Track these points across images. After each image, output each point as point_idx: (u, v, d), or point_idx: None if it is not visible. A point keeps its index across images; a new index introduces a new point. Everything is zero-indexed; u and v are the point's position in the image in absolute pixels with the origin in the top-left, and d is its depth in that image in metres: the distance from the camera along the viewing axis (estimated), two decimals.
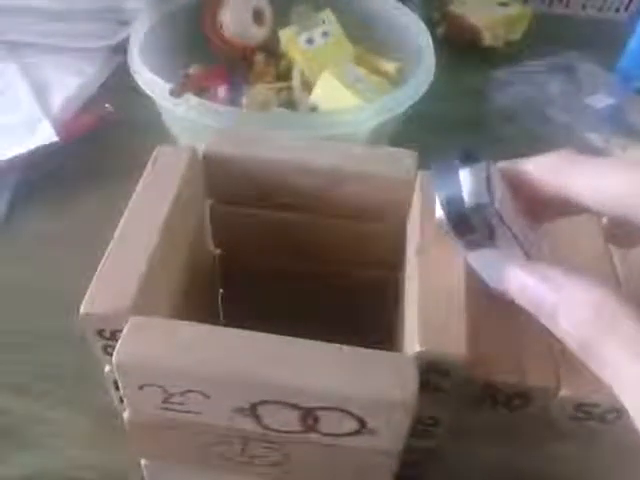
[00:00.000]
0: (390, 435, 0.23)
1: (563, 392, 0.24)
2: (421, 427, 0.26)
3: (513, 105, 0.65)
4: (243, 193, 0.33)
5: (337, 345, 0.22)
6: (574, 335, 0.20)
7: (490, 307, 0.27)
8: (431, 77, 0.53)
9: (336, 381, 0.21)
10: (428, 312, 0.24)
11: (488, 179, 0.22)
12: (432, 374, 0.23)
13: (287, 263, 0.34)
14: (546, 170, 0.23)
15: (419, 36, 0.58)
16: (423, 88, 0.52)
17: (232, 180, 0.32)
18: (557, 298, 0.20)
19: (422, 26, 0.58)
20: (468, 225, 0.22)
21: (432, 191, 0.23)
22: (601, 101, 0.59)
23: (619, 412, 0.24)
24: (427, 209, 0.28)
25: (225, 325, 0.27)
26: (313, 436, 0.23)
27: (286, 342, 0.22)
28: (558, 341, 0.24)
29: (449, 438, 0.27)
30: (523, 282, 0.22)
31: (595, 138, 0.55)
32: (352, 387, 0.21)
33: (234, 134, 0.32)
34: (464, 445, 0.27)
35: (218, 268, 0.37)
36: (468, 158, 0.22)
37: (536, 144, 0.59)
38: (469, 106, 0.65)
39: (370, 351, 0.22)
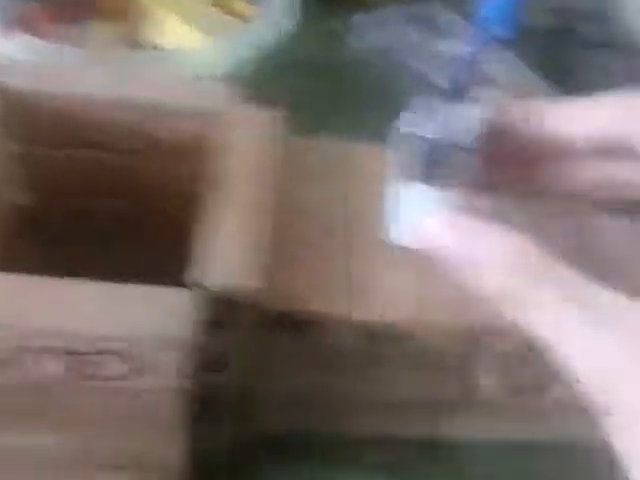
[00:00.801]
0: (168, 373, 0.22)
1: (355, 316, 0.24)
2: (218, 362, 0.25)
3: (371, 52, 0.65)
4: (51, 133, 0.30)
5: (108, 284, 0.21)
6: (496, 286, 0.18)
7: (290, 239, 0.26)
8: (285, 18, 0.51)
9: (103, 321, 0.20)
10: (212, 244, 0.23)
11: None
12: (222, 307, 0.23)
13: (101, 204, 0.33)
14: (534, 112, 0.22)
15: None
16: (276, 29, 0.50)
17: (38, 119, 0.29)
18: (476, 248, 0.19)
19: None
20: (441, 158, 0.22)
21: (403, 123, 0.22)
22: (458, 49, 0.60)
23: (406, 332, 0.24)
24: (236, 145, 0.27)
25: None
26: (85, 381, 0.22)
27: (53, 285, 0.21)
28: (351, 268, 0.24)
29: (253, 371, 0.26)
30: (435, 233, 0.20)
31: (442, 83, 0.56)
32: (122, 326, 0.20)
33: (39, 68, 0.30)
34: (269, 377, 0.27)
35: (30, 213, 0.34)
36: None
37: (390, 91, 0.60)
38: (328, 52, 0.64)
39: (146, 288, 0.21)
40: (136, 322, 0.20)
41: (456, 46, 0.65)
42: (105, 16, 0.57)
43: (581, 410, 0.16)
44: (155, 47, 0.51)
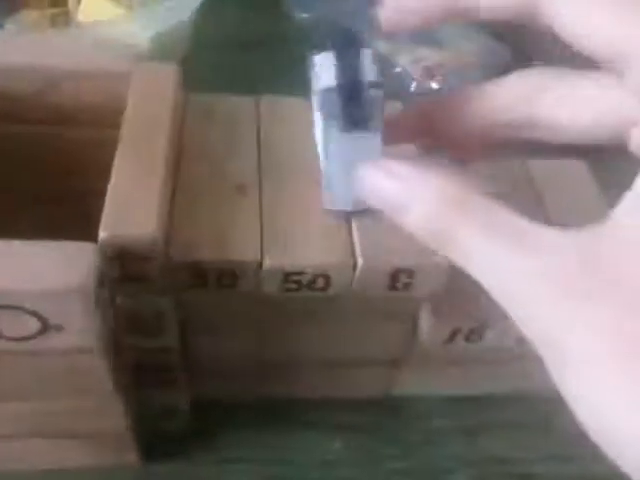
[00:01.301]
0: (80, 330, 0.21)
1: (267, 263, 0.23)
2: (144, 323, 0.24)
3: (310, 21, 0.63)
4: None
5: (6, 240, 0.20)
6: (424, 226, 0.18)
7: (202, 191, 0.25)
8: None
9: (3, 276, 0.19)
10: (118, 198, 0.22)
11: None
12: (127, 261, 0.22)
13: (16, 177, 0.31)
14: None
15: None
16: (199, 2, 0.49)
17: None
18: (403, 191, 0.19)
19: None
20: (358, 101, 0.21)
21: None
22: None
23: (327, 278, 0.24)
24: (137, 100, 0.26)
25: None
26: (5, 344, 0.21)
27: None
28: (262, 215, 0.23)
29: (188, 333, 0.26)
30: (371, 180, 0.20)
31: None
32: (18, 279, 0.19)
33: None
34: (205, 338, 0.26)
35: None
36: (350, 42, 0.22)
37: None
38: (266, 23, 0.63)
39: (46, 242, 0.20)
40: (36, 275, 0.19)
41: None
42: (34, 4, 0.56)
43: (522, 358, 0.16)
44: (81, 25, 0.49)
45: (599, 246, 0.16)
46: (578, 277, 0.15)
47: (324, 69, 0.22)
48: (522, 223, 0.17)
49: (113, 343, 0.23)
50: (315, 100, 0.23)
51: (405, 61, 0.57)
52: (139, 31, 0.46)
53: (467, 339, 0.27)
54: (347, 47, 0.22)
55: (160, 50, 0.49)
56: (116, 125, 0.28)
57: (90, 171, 0.30)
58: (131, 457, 0.29)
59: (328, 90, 0.21)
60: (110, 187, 0.23)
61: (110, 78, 0.28)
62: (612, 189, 0.33)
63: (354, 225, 0.25)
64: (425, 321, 0.26)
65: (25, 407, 0.25)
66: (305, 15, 0.64)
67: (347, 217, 0.25)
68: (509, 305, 0.17)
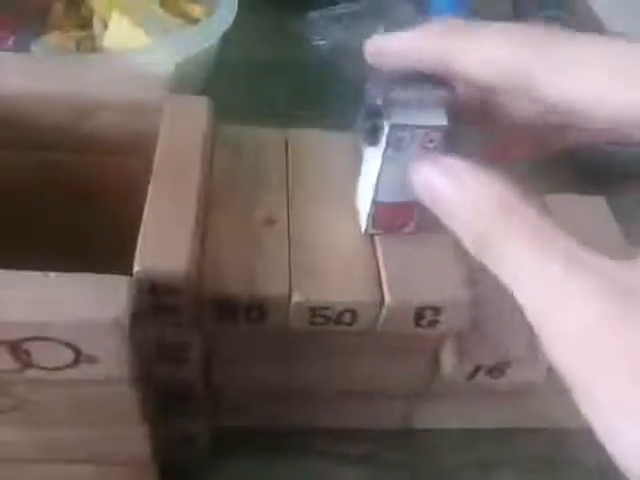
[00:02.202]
0: (112, 361, 0.21)
1: (296, 298, 0.23)
2: (173, 354, 0.25)
3: (329, 48, 0.64)
4: None
5: (43, 272, 0.21)
6: (471, 229, 0.18)
7: (232, 225, 0.26)
8: (232, 15, 0.51)
9: (35, 307, 0.20)
10: (152, 232, 0.23)
11: None
12: (160, 294, 0.22)
13: (46, 207, 0.32)
14: (426, 40, 0.22)
15: None
16: (223, 26, 0.50)
17: None
18: (456, 191, 0.19)
19: None
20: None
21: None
22: None
23: (354, 313, 0.24)
24: (169, 133, 0.27)
25: None
26: (32, 372, 0.22)
27: None
28: (291, 249, 0.24)
29: (213, 363, 0.26)
30: (426, 176, 0.20)
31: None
32: (54, 312, 0.20)
33: None
34: (229, 369, 0.27)
35: None
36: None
37: (352, 85, 0.60)
38: (286, 50, 0.64)
39: (81, 275, 0.21)
40: (72, 308, 0.20)
41: None
42: (62, 27, 0.57)
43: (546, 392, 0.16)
44: (107, 51, 0.50)
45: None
46: (619, 312, 0.15)
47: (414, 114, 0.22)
48: (572, 245, 0.17)
49: (142, 373, 0.23)
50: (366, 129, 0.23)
51: None
52: (164, 58, 0.47)
53: (489, 375, 0.28)
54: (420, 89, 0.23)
55: (184, 76, 0.50)
56: (146, 155, 0.29)
57: (120, 199, 0.31)
58: None
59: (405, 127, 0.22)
60: (144, 220, 0.23)
61: (142, 110, 0.29)
62: (631, 225, 0.33)
63: (381, 260, 0.25)
64: (448, 358, 0.27)
65: (57, 434, 0.25)
66: (322, 41, 0.65)
67: (374, 247, 0.25)
68: (540, 326, 0.16)
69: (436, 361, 0.28)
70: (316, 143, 0.31)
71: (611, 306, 0.15)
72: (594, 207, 0.33)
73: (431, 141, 0.23)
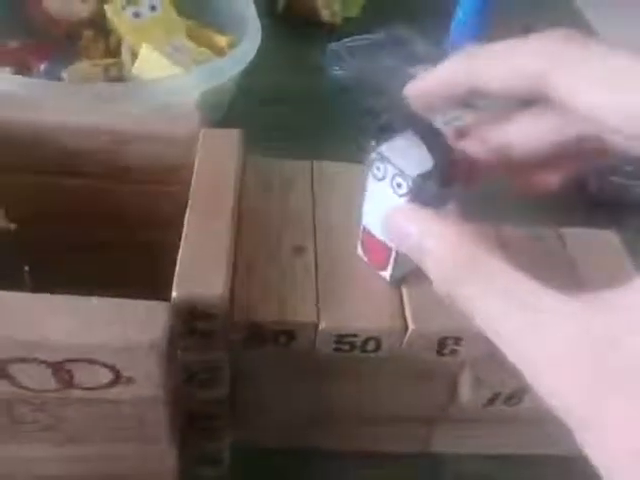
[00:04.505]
0: (149, 382, 0.22)
1: (323, 325, 0.24)
2: (202, 376, 0.26)
3: (348, 78, 0.66)
4: (26, 159, 0.31)
5: (88, 297, 0.22)
6: (433, 274, 0.19)
7: (262, 253, 0.27)
8: (256, 46, 0.53)
9: (79, 330, 0.21)
10: (189, 259, 0.24)
11: None
12: (195, 319, 0.23)
13: (83, 231, 0.33)
14: (452, 71, 0.23)
15: (246, 9, 0.58)
16: (247, 57, 0.52)
17: (12, 147, 0.30)
18: (420, 234, 0.20)
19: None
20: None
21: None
22: (419, 70, 0.62)
23: (379, 341, 0.25)
24: (204, 164, 0.28)
25: None
26: (73, 392, 0.23)
27: (31, 298, 0.22)
28: (318, 277, 0.25)
29: (238, 385, 0.27)
30: (395, 221, 0.21)
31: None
32: (97, 335, 0.21)
33: (14, 99, 0.31)
34: (254, 391, 0.28)
35: (17, 244, 0.35)
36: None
37: (368, 115, 0.62)
38: (306, 80, 0.66)
39: (123, 300, 0.22)
40: (112, 331, 0.21)
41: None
42: (90, 55, 0.59)
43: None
44: (135, 79, 0.52)
45: (611, 312, 0.16)
46: (578, 346, 0.16)
47: (402, 154, 0.23)
48: (526, 282, 0.17)
49: (174, 394, 0.24)
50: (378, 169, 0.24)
51: (439, 121, 0.59)
52: (190, 88, 0.48)
53: (506, 403, 0.28)
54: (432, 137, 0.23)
55: (207, 105, 0.51)
56: (180, 184, 0.30)
57: (154, 224, 0.32)
58: None
59: (423, 176, 0.23)
60: (182, 247, 0.24)
61: (177, 141, 0.30)
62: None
63: (405, 290, 0.26)
64: (466, 386, 0.28)
65: (88, 451, 0.26)
66: (341, 72, 0.67)
67: (397, 280, 0.26)
68: (511, 357, 0.17)
69: (455, 387, 0.28)
70: (340, 175, 0.32)
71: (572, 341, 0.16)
72: (606, 240, 0.34)
73: (399, 186, 0.23)
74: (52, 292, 0.22)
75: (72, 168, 0.31)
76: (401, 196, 0.23)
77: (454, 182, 0.24)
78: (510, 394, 0.28)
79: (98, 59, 0.59)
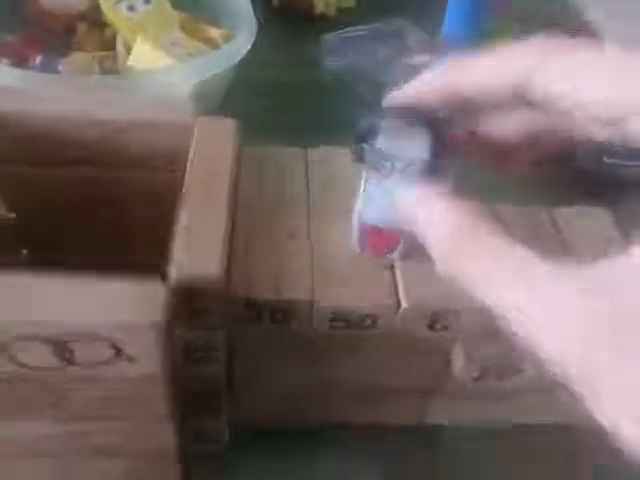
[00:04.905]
0: (149, 360, 0.23)
1: (319, 303, 0.25)
2: (200, 353, 0.26)
3: (343, 71, 0.67)
4: (28, 152, 0.32)
5: (89, 278, 0.22)
6: (435, 252, 0.20)
7: (258, 237, 0.28)
8: (251, 39, 0.53)
9: (81, 309, 0.21)
10: (185, 240, 0.24)
11: None
12: (192, 296, 0.24)
13: (82, 216, 0.34)
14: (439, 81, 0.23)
15: (241, 2, 0.58)
16: (242, 50, 0.52)
17: (13, 139, 0.31)
18: (424, 217, 0.21)
19: None
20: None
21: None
22: (417, 60, 0.62)
23: (374, 317, 0.26)
24: (200, 151, 0.29)
25: None
26: (73, 369, 0.23)
27: (32, 279, 0.22)
28: (313, 259, 0.26)
29: (235, 362, 0.28)
30: (405, 203, 0.22)
31: None
32: (99, 313, 0.21)
33: (14, 92, 0.32)
34: (251, 367, 0.28)
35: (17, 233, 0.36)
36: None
37: (362, 107, 0.62)
38: (302, 73, 0.66)
39: (124, 281, 0.22)
40: (114, 309, 0.22)
41: (426, 61, 0.67)
42: (85, 47, 0.60)
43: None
44: (130, 71, 0.52)
45: (606, 274, 0.17)
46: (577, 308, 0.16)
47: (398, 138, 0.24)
48: (524, 254, 0.18)
49: (172, 372, 0.24)
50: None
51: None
52: (183, 79, 0.49)
53: (498, 378, 0.29)
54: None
55: (200, 97, 0.52)
56: (177, 171, 0.31)
57: (152, 207, 0.33)
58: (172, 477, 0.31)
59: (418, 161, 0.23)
60: (178, 229, 0.25)
61: (174, 129, 0.31)
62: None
63: (397, 269, 0.27)
64: (457, 359, 0.28)
65: (89, 428, 0.27)
66: (335, 64, 0.67)
67: (389, 261, 0.27)
68: (514, 327, 0.17)
69: (448, 362, 0.29)
70: (334, 160, 0.33)
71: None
72: (598, 217, 0.35)
73: (410, 170, 0.23)
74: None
75: (70, 158, 0.32)
76: (403, 181, 0.23)
77: (451, 153, 0.24)
78: (501, 368, 0.29)
79: (93, 51, 0.60)
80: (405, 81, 0.25)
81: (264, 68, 0.61)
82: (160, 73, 0.48)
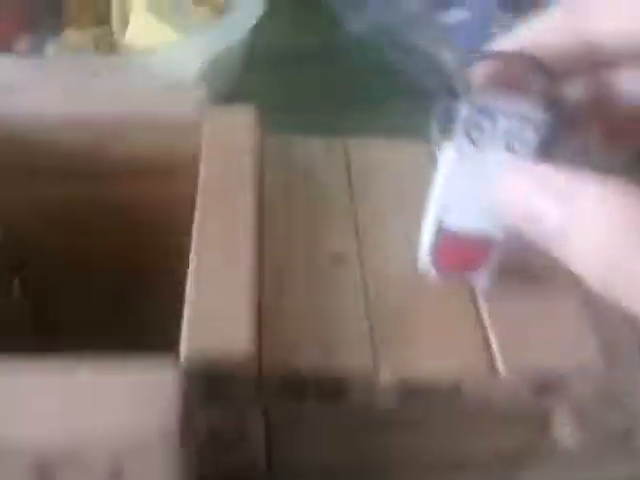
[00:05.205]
0: (163, 473, 0.17)
1: (385, 374, 0.18)
2: (227, 440, 0.20)
3: (369, 31, 0.59)
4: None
5: (74, 370, 0.16)
6: (596, 262, 0.15)
7: (292, 267, 0.21)
8: (262, 4, 0.46)
9: (62, 424, 0.15)
10: (201, 295, 0.18)
11: None
12: (213, 378, 0.17)
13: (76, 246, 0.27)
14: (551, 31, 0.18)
15: None
16: (256, 13, 0.45)
17: None
18: (565, 211, 0.15)
19: None
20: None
21: None
22: (455, 17, 0.54)
23: (456, 386, 0.19)
24: (213, 154, 0.22)
25: None
26: None
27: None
28: (368, 297, 0.19)
29: (274, 443, 0.21)
30: (518, 188, 0.16)
31: (451, 58, 0.50)
32: (85, 426, 0.15)
33: None
34: (294, 451, 0.22)
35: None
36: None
37: (394, 73, 0.54)
38: (321, 35, 0.58)
39: (119, 375, 0.16)
40: (108, 419, 0.15)
41: (457, 15, 0.59)
42: (79, 24, 0.53)
43: None
44: (130, 49, 0.45)
45: None
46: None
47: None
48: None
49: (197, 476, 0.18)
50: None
51: None
52: (193, 56, 0.42)
53: (609, 441, 0.22)
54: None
55: (215, 73, 0.45)
56: (187, 179, 0.24)
57: (159, 229, 0.26)
58: None
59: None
60: (190, 281, 0.18)
61: (180, 126, 0.24)
62: None
63: (485, 314, 0.20)
64: (561, 428, 0.22)
65: None
66: (359, 25, 0.59)
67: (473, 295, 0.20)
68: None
69: (543, 430, 0.22)
70: (382, 155, 0.26)
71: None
72: None
73: (523, 142, 0.17)
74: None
75: (52, 171, 0.25)
76: (528, 152, 0.17)
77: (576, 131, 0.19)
78: (613, 432, 0.22)
79: (88, 28, 0.53)
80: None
81: (277, 34, 0.53)
82: (164, 50, 0.41)
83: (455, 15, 0.56)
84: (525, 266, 0.21)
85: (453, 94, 0.18)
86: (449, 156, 0.18)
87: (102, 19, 0.53)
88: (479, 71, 0.18)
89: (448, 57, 0.51)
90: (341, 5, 0.60)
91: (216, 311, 0.17)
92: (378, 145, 0.26)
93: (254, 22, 0.45)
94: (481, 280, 0.20)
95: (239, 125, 0.24)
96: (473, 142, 0.18)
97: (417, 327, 0.20)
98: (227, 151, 0.22)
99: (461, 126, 0.18)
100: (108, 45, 0.51)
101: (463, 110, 0.17)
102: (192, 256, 0.19)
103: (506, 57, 0.18)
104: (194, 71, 0.44)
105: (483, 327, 0.20)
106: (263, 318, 0.19)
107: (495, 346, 0.19)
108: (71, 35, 0.50)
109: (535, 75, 0.18)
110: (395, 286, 0.21)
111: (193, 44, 0.42)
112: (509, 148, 0.17)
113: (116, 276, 0.27)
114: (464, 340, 0.19)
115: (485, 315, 0.20)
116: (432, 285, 0.21)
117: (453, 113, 0.18)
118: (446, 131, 0.18)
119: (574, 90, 0.19)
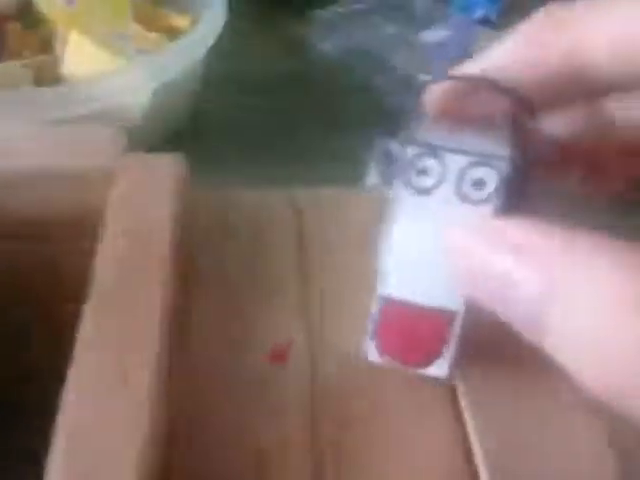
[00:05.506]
0: None
1: None
2: None
3: (342, 53, 0.55)
4: None
5: None
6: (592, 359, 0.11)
7: (219, 374, 0.16)
8: (220, 24, 0.42)
9: None
10: (77, 426, 0.13)
11: None
12: None
13: None
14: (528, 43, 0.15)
15: None
16: (210, 38, 0.41)
17: None
18: (546, 283, 0.11)
19: None
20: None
21: None
22: (435, 35, 0.50)
23: None
24: (120, 217, 0.18)
25: None
26: None
27: None
28: (328, 420, 0.14)
29: None
30: (476, 254, 0.12)
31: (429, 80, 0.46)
32: None
33: None
34: None
35: None
36: None
37: (373, 95, 0.50)
38: (290, 59, 0.54)
39: None
40: None
41: (438, 34, 0.55)
42: (19, 54, 0.48)
43: None
44: (71, 79, 0.41)
45: None
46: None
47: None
48: None
49: None
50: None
51: None
52: (140, 84, 0.37)
53: None
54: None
55: (165, 104, 0.40)
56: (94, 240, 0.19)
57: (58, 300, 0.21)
58: None
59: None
60: (63, 412, 0.13)
61: (87, 179, 0.20)
62: None
63: (470, 424, 0.15)
64: None
65: None
66: (331, 46, 0.55)
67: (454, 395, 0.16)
68: None
69: None
70: (338, 209, 0.21)
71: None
72: None
73: (480, 184, 0.14)
74: None
75: None
76: (486, 201, 0.14)
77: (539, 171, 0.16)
78: None
79: (31, 57, 0.48)
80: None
81: (239, 60, 0.49)
82: (107, 79, 0.37)
83: (435, 35, 0.52)
84: (500, 342, 0.16)
85: (395, 130, 0.14)
86: (388, 209, 0.15)
87: (45, 48, 0.48)
88: (430, 99, 0.15)
89: (426, 78, 0.47)
90: (314, 27, 0.56)
91: (95, 447, 0.12)
92: (336, 196, 0.22)
93: (208, 46, 0.40)
94: (439, 368, 0.16)
95: (158, 178, 0.19)
96: (416, 190, 0.14)
97: (381, 444, 0.15)
98: (137, 213, 0.18)
99: (403, 169, 0.14)
100: (52, 77, 0.46)
101: (406, 149, 0.14)
102: (69, 372, 0.14)
103: (466, 81, 0.15)
104: (142, 99, 0.39)
105: (461, 418, 0.15)
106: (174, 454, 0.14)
107: (478, 453, 0.14)
108: (11, 65, 0.46)
109: (498, 103, 0.15)
110: (355, 388, 0.16)
111: (139, 70, 0.37)
112: (460, 194, 0.14)
113: None
114: (442, 435, 0.14)
115: (470, 426, 0.15)
116: (394, 376, 0.16)
117: (394, 153, 0.14)
118: (385, 176, 0.14)
119: (558, 120, 0.17)
